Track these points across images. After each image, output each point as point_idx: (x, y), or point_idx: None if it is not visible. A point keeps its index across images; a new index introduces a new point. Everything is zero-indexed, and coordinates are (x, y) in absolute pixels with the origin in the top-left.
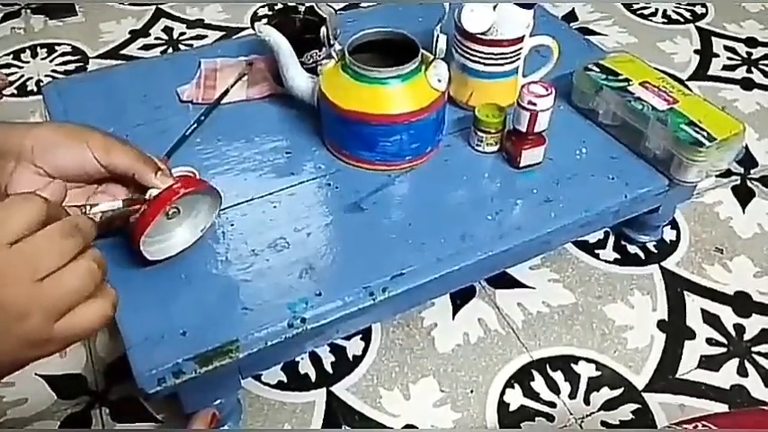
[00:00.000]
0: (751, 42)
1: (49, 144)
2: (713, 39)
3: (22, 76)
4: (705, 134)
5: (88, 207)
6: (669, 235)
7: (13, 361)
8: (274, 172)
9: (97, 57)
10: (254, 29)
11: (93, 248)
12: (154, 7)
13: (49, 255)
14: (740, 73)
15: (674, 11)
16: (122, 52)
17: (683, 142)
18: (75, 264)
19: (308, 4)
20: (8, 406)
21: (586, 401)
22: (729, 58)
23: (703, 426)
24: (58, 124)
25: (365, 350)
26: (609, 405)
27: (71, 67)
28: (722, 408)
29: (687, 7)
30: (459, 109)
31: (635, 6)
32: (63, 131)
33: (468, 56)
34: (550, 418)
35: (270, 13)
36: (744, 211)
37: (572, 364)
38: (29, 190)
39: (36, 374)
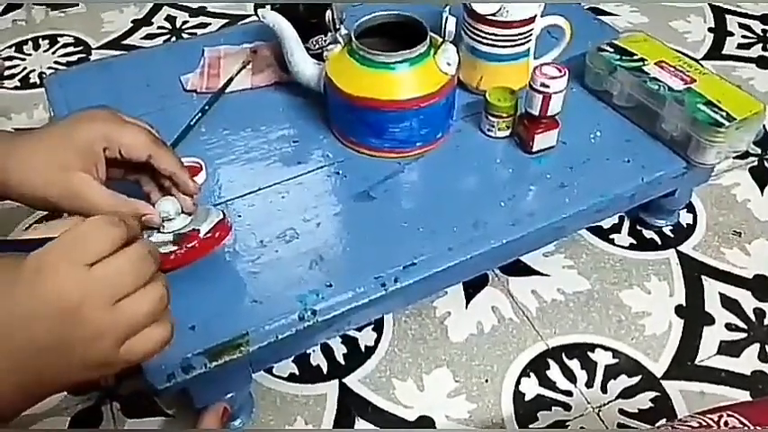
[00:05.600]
0: (766, 19)
1: (38, 193)
2: (727, 16)
3: (25, 68)
4: (724, 114)
5: (145, 234)
6: (686, 218)
7: (70, 379)
8: (281, 161)
9: (100, 47)
10: (257, 15)
11: (161, 273)
12: None
13: (128, 277)
14: (756, 51)
15: None
16: (125, 42)
17: (702, 123)
18: (150, 288)
19: None
20: None
21: (604, 390)
22: (744, 37)
23: (729, 416)
24: (41, 154)
25: (377, 341)
26: (627, 393)
27: (74, 58)
28: (743, 394)
29: None
30: (469, 93)
31: None
32: (49, 171)
33: (477, 38)
34: (567, 407)
35: None
36: (762, 193)
37: (588, 352)
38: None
39: None
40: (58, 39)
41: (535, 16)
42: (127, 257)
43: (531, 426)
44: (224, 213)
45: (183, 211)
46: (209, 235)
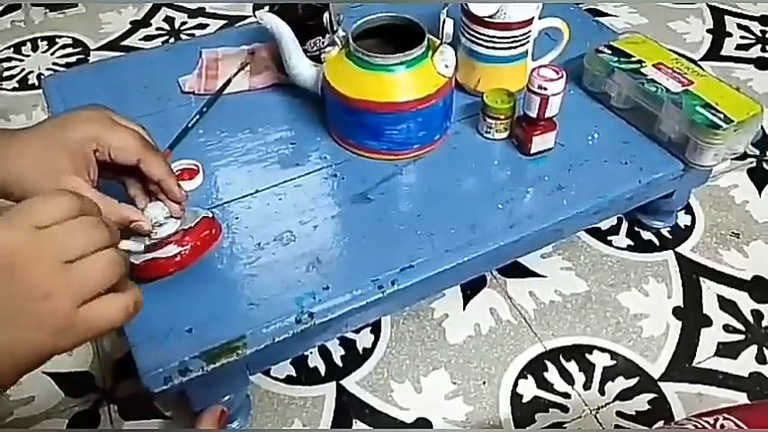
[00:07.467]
0: (765, 20)
1: (28, 195)
2: (726, 17)
3: (23, 69)
4: (722, 116)
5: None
6: (684, 220)
7: (35, 346)
8: (279, 163)
9: (98, 49)
10: (255, 16)
11: (117, 247)
12: None
13: (78, 240)
14: (754, 52)
15: None
16: (123, 43)
17: (699, 125)
18: (103, 252)
19: None
20: (15, 405)
21: (601, 392)
22: (743, 38)
23: (726, 418)
24: (32, 158)
25: (375, 343)
26: (624, 395)
27: (72, 59)
28: (741, 396)
29: None
30: (467, 95)
31: None
32: (39, 174)
33: (475, 40)
34: (565, 408)
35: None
36: (760, 195)
37: (586, 354)
38: None
39: (42, 372)
40: (57, 40)
41: (533, 18)
42: (78, 222)
43: (528, 428)
44: (213, 215)
45: (171, 216)
46: (193, 232)
